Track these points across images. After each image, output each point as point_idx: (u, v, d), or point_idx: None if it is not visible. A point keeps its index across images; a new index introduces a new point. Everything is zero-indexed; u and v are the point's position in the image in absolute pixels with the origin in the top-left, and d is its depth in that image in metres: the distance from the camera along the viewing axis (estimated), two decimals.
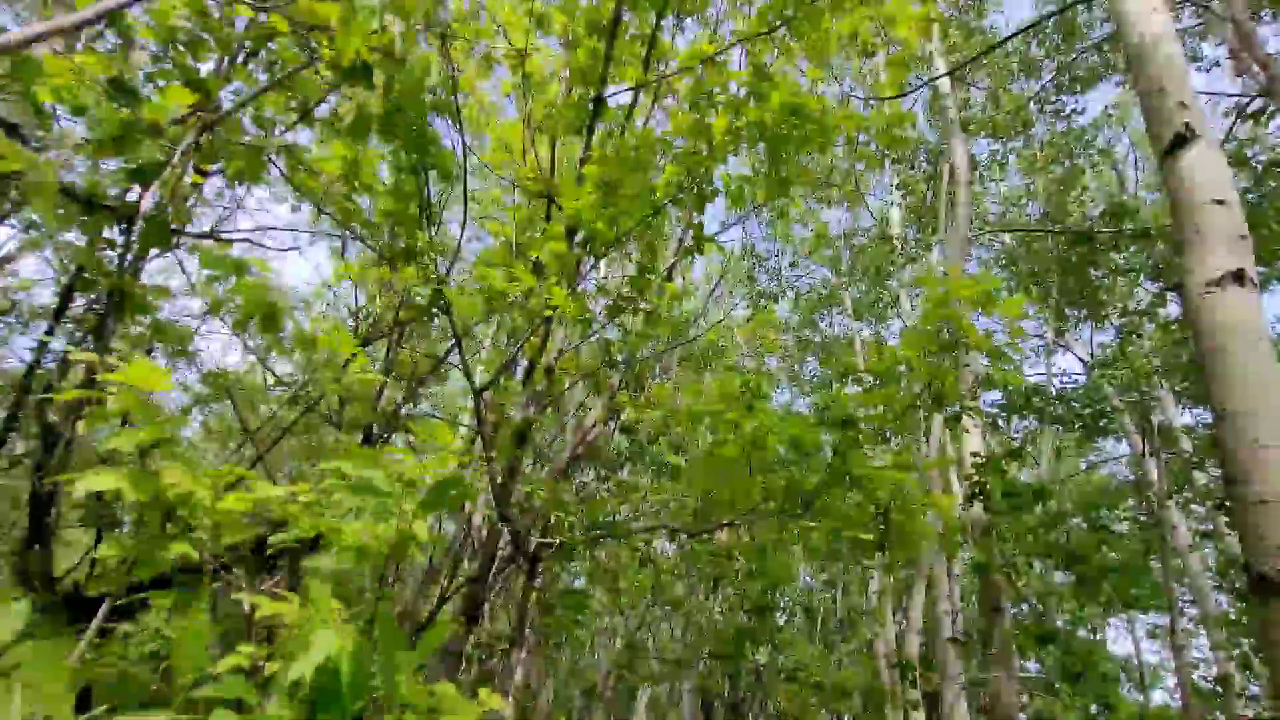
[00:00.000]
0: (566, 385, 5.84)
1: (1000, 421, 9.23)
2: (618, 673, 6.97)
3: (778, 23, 4.27)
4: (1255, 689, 7.73)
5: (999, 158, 10.77)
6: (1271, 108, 5.20)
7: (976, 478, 4.37)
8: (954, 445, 5.13)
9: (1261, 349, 2.21)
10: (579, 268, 4.99)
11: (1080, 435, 11.15)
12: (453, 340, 4.38)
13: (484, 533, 5.33)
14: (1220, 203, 2.45)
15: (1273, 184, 6.34)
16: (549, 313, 4.94)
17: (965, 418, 4.53)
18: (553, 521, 4.66)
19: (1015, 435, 9.87)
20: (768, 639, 6.68)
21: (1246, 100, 5.31)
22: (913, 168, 12.10)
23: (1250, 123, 5.29)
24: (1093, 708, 4.13)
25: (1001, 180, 12.19)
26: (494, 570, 5.12)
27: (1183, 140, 2.60)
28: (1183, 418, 8.64)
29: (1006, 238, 12.47)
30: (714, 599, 7.65)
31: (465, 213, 4.49)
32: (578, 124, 5.19)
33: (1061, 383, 10.64)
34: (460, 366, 4.43)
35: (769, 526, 4.28)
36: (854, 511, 3.17)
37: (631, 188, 3.74)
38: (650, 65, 5.14)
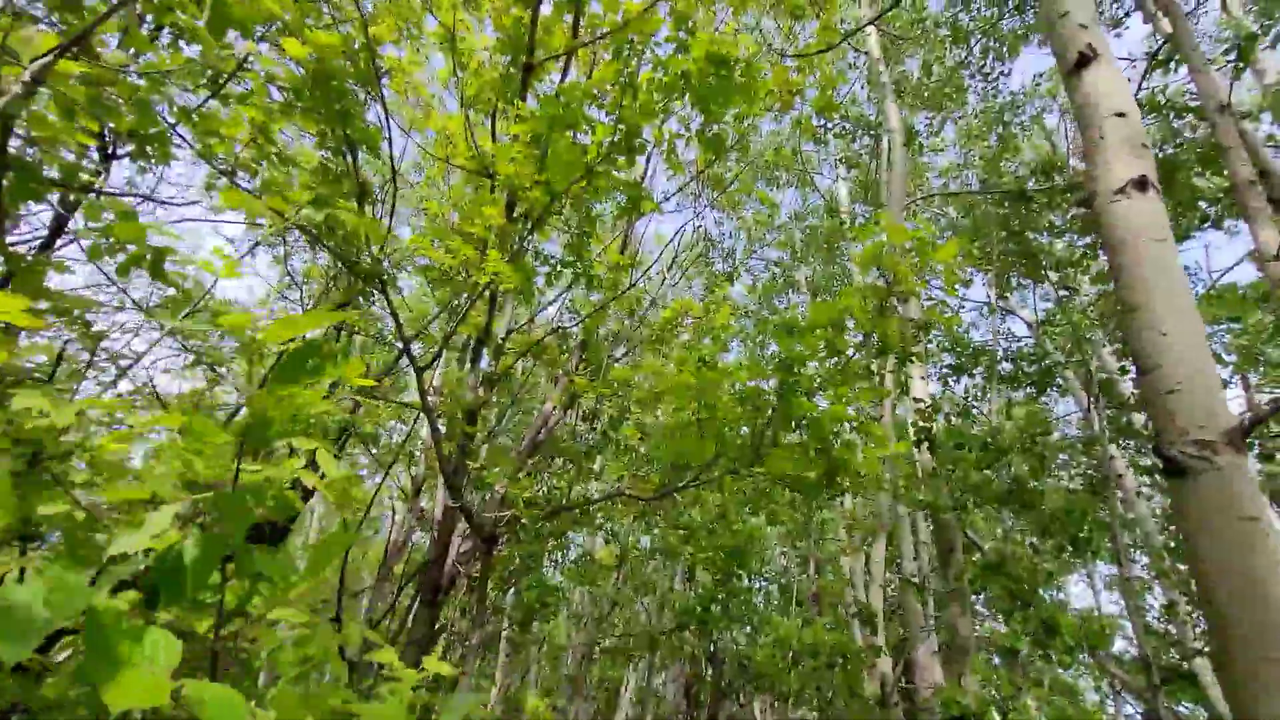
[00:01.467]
0: (514, 362, 5.75)
1: (950, 381, 9.48)
2: (587, 651, 6.92)
3: None
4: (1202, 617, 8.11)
5: (934, 129, 11.04)
6: (1178, 56, 5.43)
7: (922, 423, 4.47)
8: (899, 395, 5.24)
9: (1166, 250, 2.29)
10: (521, 243, 4.91)
11: (1029, 395, 11.56)
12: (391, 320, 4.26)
13: (437, 515, 5.22)
14: (1121, 115, 2.54)
15: (1187, 134, 6.63)
16: (487, 279, 4.84)
17: (910, 364, 4.62)
18: (507, 499, 4.58)
19: (964, 397, 10.16)
20: (741, 610, 6.72)
21: (1155, 49, 5.54)
22: (854, 142, 12.35)
23: (1160, 71, 5.53)
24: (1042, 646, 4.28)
25: (941, 152, 12.53)
26: (454, 553, 5.01)
27: (1085, 60, 2.68)
28: (1123, 362, 8.99)
29: (951, 209, 12.82)
30: (682, 577, 7.65)
31: (394, 193, 4.36)
32: (510, 94, 5.11)
33: (1008, 344, 10.99)
34: (400, 345, 4.31)
35: (725, 484, 4.28)
36: (797, 453, 3.19)
37: (562, 146, 3.69)
38: (578, 32, 5.09)
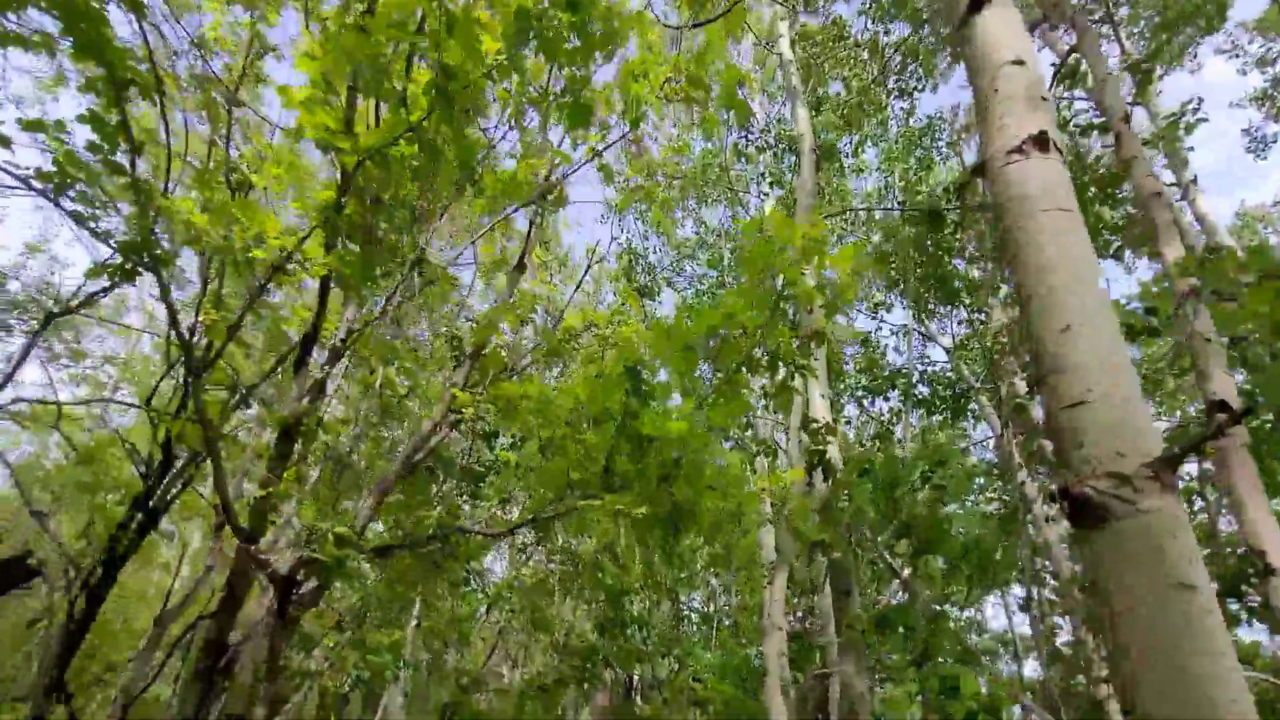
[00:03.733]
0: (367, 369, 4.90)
1: (866, 404, 9.17)
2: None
3: None
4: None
5: (856, 149, 10.93)
6: (1085, 66, 5.25)
7: (814, 446, 3.92)
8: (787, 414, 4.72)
9: (1070, 223, 1.78)
10: (369, 229, 4.12)
11: (944, 418, 11.46)
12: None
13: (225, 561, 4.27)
14: (1019, 63, 2.05)
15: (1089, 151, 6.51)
16: (321, 272, 4.04)
17: (811, 381, 4.07)
18: (312, 535, 3.71)
19: (885, 418, 9.90)
20: (629, 646, 5.98)
21: (1060, 61, 5.35)
22: (781, 161, 12.16)
23: (1066, 83, 5.34)
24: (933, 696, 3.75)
25: (864, 173, 12.49)
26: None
27: (979, 4, 2.21)
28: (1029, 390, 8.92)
29: (876, 236, 12.78)
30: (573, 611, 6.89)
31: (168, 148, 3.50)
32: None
33: (925, 366, 10.85)
34: (175, 334, 3.41)
35: (581, 518, 3.56)
36: (639, 484, 2.52)
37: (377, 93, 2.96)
38: None
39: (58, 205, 3.07)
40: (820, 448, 3.95)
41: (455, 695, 5.70)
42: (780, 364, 3.83)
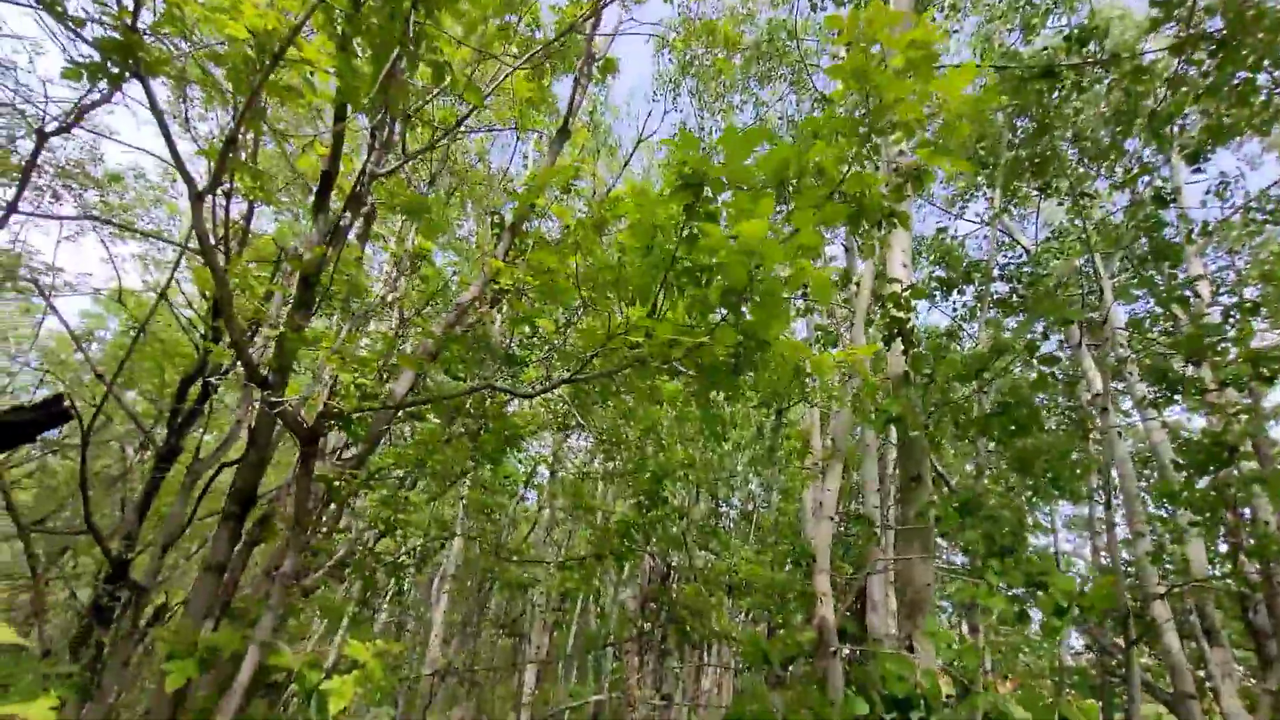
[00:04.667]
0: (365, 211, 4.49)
1: (939, 297, 8.36)
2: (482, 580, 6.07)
3: None
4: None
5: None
6: None
7: (896, 311, 3.34)
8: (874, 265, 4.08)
9: None
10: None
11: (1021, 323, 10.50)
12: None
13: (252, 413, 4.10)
14: None
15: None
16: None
17: (892, 232, 3.44)
18: (338, 386, 3.45)
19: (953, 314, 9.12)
20: (667, 530, 5.85)
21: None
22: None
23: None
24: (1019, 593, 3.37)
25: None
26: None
27: None
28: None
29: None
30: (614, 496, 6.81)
31: None
32: None
33: (1006, 259, 9.86)
34: (170, 155, 3.01)
35: (629, 378, 3.16)
36: (695, 311, 2.03)
37: None
38: None
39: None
40: (902, 314, 3.37)
41: (489, 564, 5.73)
42: (865, 214, 3.21)
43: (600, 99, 15.81)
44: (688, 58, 13.43)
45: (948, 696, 3.03)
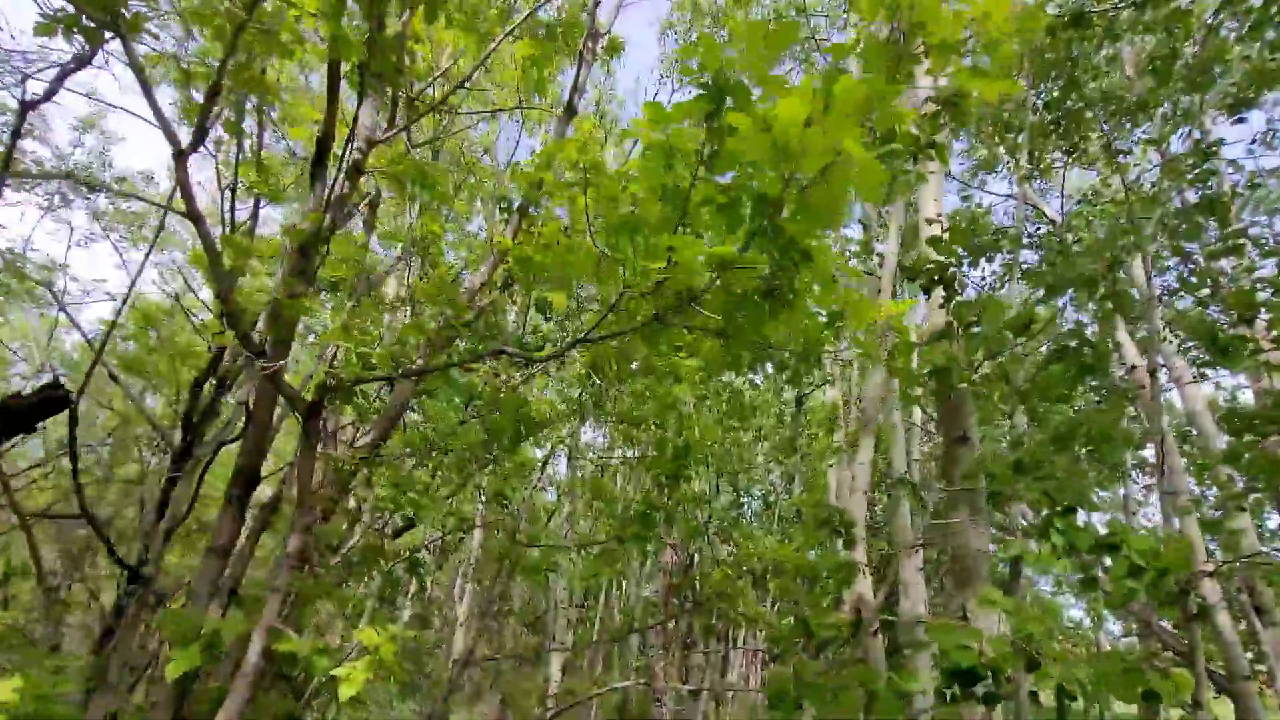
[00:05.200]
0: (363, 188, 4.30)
1: (965, 263, 8.02)
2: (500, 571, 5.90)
3: None
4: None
5: None
6: None
7: (937, 256, 3.07)
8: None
9: None
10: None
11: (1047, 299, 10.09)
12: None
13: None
14: None
15: None
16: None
17: (925, 165, 3.16)
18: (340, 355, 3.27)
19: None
20: (693, 516, 5.62)
21: None
22: None
23: None
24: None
25: None
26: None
27: None
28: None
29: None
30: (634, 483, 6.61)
31: None
32: None
33: (1035, 227, 9.47)
34: (154, 117, 2.83)
35: (638, 338, 2.92)
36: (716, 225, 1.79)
37: None
38: None
39: None
40: (944, 259, 3.10)
41: (505, 550, 5.55)
42: (896, 150, 2.94)
43: (605, 89, 15.55)
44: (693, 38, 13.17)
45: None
